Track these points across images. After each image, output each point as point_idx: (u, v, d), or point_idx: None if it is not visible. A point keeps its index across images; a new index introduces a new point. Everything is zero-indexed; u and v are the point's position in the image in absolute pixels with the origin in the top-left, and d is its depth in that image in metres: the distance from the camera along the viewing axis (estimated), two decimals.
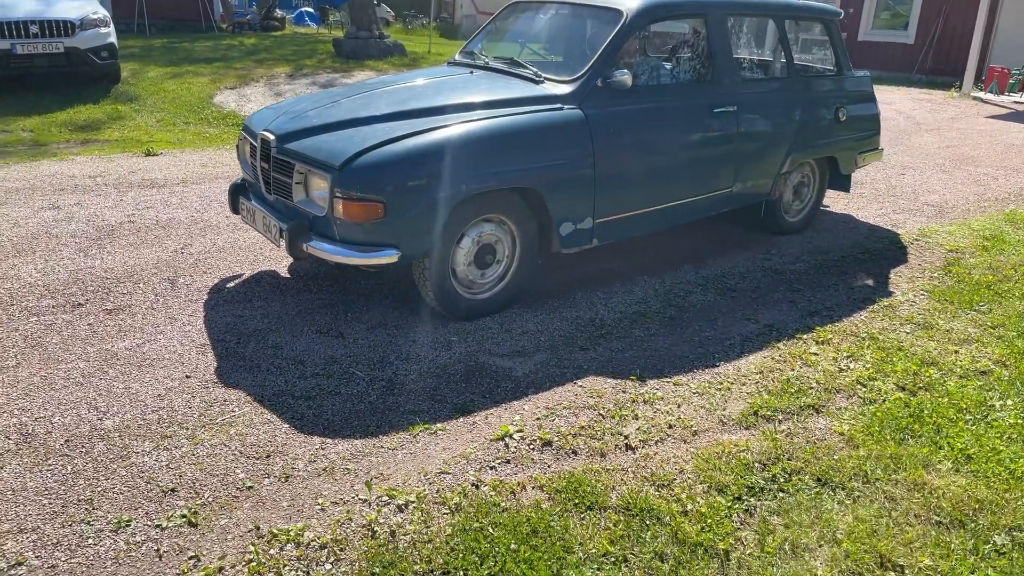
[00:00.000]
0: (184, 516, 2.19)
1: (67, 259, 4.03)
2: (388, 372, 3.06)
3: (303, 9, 22.84)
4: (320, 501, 2.29)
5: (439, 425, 2.71)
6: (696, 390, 3.00)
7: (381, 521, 2.21)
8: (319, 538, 2.13)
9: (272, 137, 3.41)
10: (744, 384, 3.06)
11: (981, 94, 12.93)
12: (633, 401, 2.89)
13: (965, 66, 13.20)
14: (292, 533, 2.14)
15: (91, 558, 2.03)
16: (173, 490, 2.30)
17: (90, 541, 2.08)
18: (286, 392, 2.87)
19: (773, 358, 3.29)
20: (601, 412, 2.81)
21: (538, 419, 2.77)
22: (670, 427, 2.74)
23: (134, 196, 5.25)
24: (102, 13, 9.16)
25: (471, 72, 4.07)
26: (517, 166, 3.34)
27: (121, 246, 4.26)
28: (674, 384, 3.04)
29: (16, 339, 3.17)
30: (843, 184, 5.18)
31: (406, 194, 3.08)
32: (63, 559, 2.02)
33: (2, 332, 3.22)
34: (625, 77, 3.57)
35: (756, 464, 2.54)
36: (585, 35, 4.02)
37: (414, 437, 2.64)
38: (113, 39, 9.15)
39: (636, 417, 2.79)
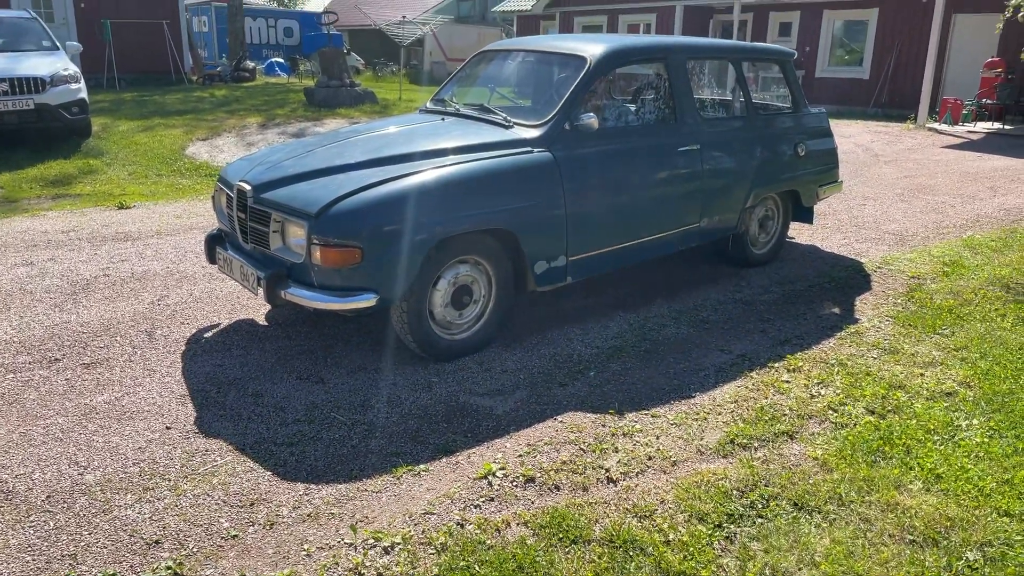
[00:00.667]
0: (169, 568, 2.18)
1: (42, 315, 4.01)
2: (369, 415, 3.08)
3: (273, 60, 23.14)
4: (306, 547, 2.29)
5: (422, 466, 2.73)
6: (674, 421, 3.07)
7: (368, 564, 2.22)
8: None
9: (248, 188, 3.47)
10: (720, 413, 3.13)
11: (936, 125, 13.45)
12: (613, 434, 2.95)
13: (919, 99, 13.75)
14: None
15: None
16: (157, 542, 2.29)
17: None
18: (268, 440, 2.88)
19: (747, 387, 3.37)
20: (582, 447, 2.86)
21: (520, 456, 2.80)
22: (650, 458, 2.79)
23: (108, 249, 5.25)
24: (72, 69, 9.22)
25: (442, 119, 4.18)
26: (490, 208, 3.44)
27: (97, 300, 4.25)
28: (652, 416, 3.10)
29: None
30: (806, 216, 5.35)
31: (382, 239, 3.15)
32: None
33: None
34: (591, 120, 3.73)
35: (735, 491, 2.60)
36: (552, 81, 4.16)
37: (398, 479, 2.66)
38: (84, 94, 9.20)
39: (616, 450, 2.84)
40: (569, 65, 4.04)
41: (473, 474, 2.68)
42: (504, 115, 3.94)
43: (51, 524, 2.35)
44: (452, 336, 3.58)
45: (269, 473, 2.67)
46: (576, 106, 3.80)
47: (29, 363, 3.45)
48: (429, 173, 3.36)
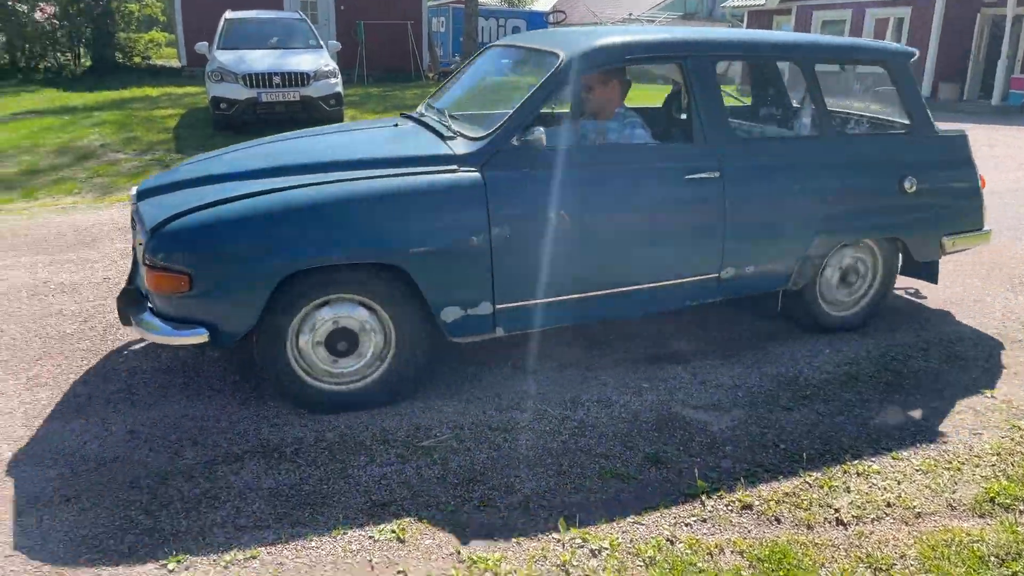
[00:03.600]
0: (393, 532, 2.33)
1: None
2: (579, 413, 3.08)
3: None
4: (516, 534, 2.34)
5: (631, 473, 2.68)
6: (919, 467, 2.72)
7: (575, 563, 2.21)
8: (516, 571, 2.17)
9: (133, 193, 3.22)
10: (978, 466, 2.72)
11: None
12: (845, 472, 2.68)
13: None
14: (490, 562, 2.20)
15: (313, 559, 2.22)
16: (384, 505, 2.47)
17: (313, 543, 2.28)
18: (483, 423, 2.99)
19: (1013, 439, 2.90)
20: (807, 480, 2.63)
21: (736, 479, 2.64)
22: (888, 505, 2.50)
23: None
24: (332, 65, 10.30)
25: (395, 125, 3.73)
26: (369, 238, 2.82)
27: None
28: (893, 458, 2.77)
29: None
30: (928, 273, 4.00)
31: (214, 265, 2.71)
32: (290, 556, 2.22)
33: None
34: (539, 136, 3.01)
35: (992, 558, 2.24)
36: (522, 84, 3.40)
37: (605, 482, 2.62)
38: (340, 88, 10.24)
39: (848, 490, 2.58)
40: (541, 65, 3.30)
41: (685, 490, 2.58)
42: (450, 124, 3.32)
43: (296, 475, 2.63)
44: (337, 385, 3.01)
45: (483, 455, 2.76)
46: (530, 117, 3.05)
47: None
48: (295, 191, 2.83)
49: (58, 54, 19.11)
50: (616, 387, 3.30)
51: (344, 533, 2.32)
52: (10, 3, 17.73)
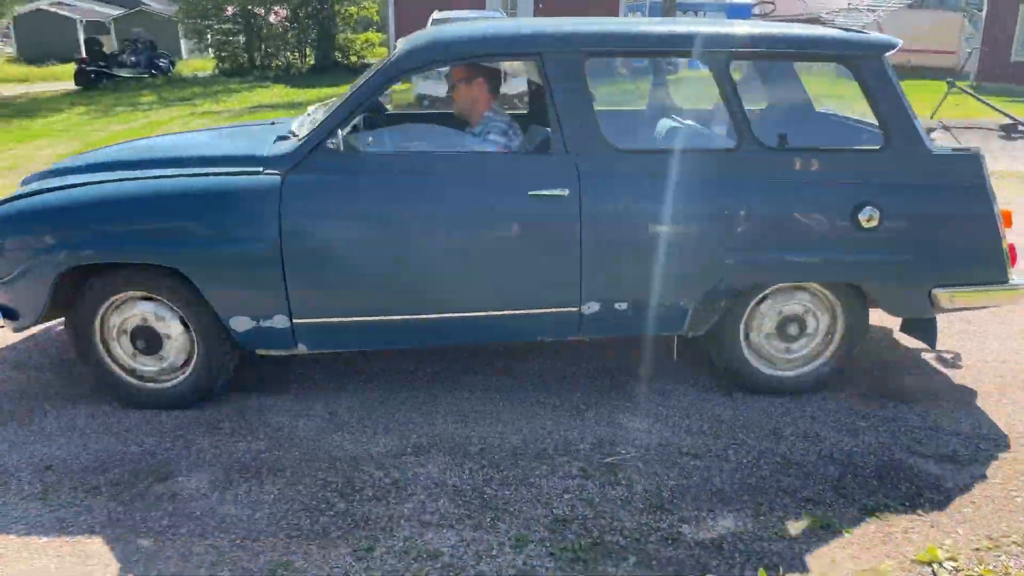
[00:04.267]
0: (574, 551, 2.22)
1: None
2: (782, 446, 2.78)
3: None
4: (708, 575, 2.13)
5: (844, 525, 2.35)
6: None
7: None
8: None
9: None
10: None
11: None
12: None
13: None
14: None
15: (494, 569, 2.16)
16: (564, 521, 2.36)
17: (494, 552, 2.23)
18: (673, 444, 2.79)
19: None
20: None
21: (977, 550, 2.24)
22: None
23: None
24: None
25: (272, 123, 3.76)
26: (145, 237, 2.77)
27: None
28: None
29: None
30: (924, 333, 3.16)
31: (9, 251, 2.85)
32: (471, 563, 2.19)
33: None
34: (359, 139, 2.87)
35: None
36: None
37: (813, 531, 2.33)
38: None
39: None
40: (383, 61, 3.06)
41: (912, 555, 2.22)
42: (303, 124, 3.16)
43: (480, 476, 2.60)
44: (154, 384, 3.01)
45: (672, 481, 2.57)
46: (348, 117, 2.82)
47: None
48: (90, 187, 2.87)
49: (287, 53, 21.23)
50: (826, 422, 2.95)
51: (524, 547, 2.25)
52: (250, 7, 19.96)
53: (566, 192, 2.80)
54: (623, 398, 3.13)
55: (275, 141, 3.00)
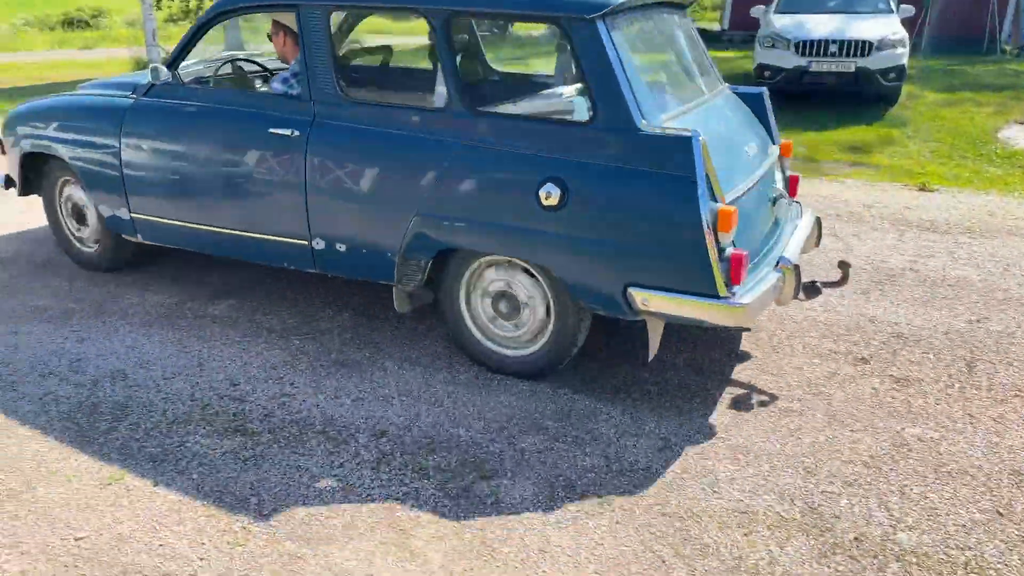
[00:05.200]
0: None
1: (848, 299, 3.78)
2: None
3: None
4: None
5: None
6: None
7: None
8: None
9: None
10: None
11: None
12: None
13: None
14: None
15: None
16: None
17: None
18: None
19: None
20: None
21: None
22: None
23: (913, 238, 4.74)
24: (901, 34, 8.84)
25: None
26: (51, 136, 3.74)
27: (904, 298, 3.79)
28: None
29: (799, 380, 3.03)
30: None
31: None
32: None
33: (787, 368, 3.14)
34: (175, 74, 3.42)
35: None
36: None
37: None
38: (904, 61, 8.77)
39: None
40: None
41: None
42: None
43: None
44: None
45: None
46: (179, 56, 3.40)
47: (834, 352, 3.24)
48: (52, 97, 3.99)
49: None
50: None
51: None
52: None
53: (296, 133, 3.05)
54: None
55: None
